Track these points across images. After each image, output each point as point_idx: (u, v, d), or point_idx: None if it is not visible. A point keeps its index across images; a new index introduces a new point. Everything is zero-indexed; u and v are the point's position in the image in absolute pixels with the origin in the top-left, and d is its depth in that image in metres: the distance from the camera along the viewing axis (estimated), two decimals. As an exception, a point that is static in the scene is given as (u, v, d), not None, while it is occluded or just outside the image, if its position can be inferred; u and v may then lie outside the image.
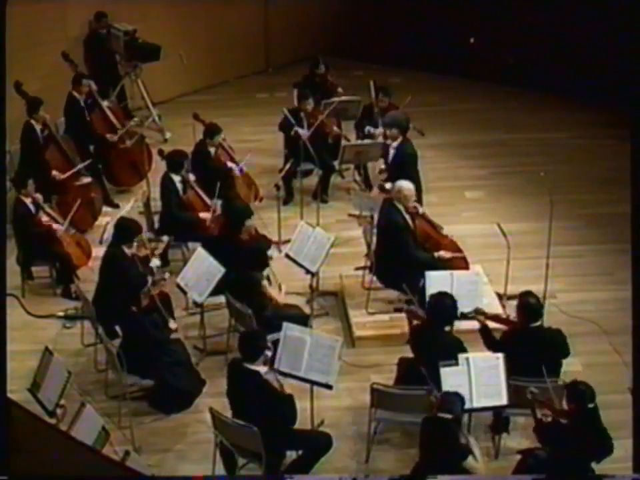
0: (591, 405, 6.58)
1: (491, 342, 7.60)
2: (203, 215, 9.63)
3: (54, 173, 10.24)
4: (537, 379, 7.05)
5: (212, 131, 10.40)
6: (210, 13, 14.20)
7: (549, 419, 6.75)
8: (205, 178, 10.12)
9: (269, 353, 7.10)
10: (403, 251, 8.70)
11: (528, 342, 7.35)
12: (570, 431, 6.58)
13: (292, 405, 7.02)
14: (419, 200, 9.60)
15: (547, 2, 13.99)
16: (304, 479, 7.05)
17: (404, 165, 9.69)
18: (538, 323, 7.46)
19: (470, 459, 6.56)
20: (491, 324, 7.77)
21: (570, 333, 7.61)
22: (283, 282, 8.79)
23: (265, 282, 8.42)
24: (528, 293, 7.62)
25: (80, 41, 12.58)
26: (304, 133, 10.88)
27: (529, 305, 7.48)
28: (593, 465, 6.68)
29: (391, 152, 9.89)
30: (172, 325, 8.22)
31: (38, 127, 10.31)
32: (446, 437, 6.54)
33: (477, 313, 7.76)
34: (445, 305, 7.52)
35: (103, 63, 12.61)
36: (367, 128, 11.14)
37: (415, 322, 7.81)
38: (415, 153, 9.86)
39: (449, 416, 6.54)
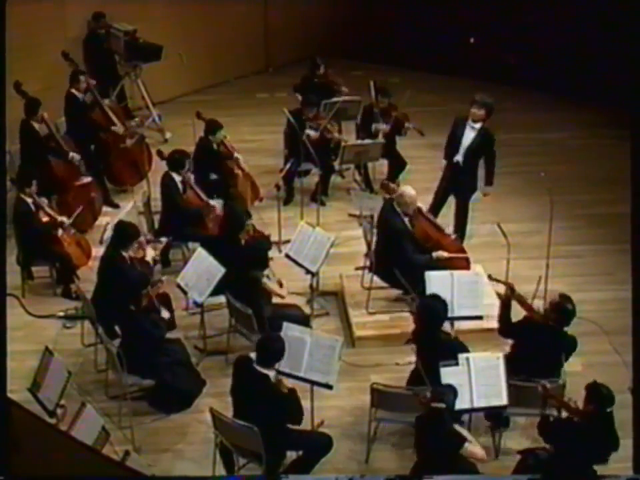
0: (609, 409, 6.60)
1: (505, 318, 7.64)
2: (212, 202, 9.72)
3: (71, 154, 10.23)
4: (537, 378, 7.06)
5: (213, 127, 10.42)
6: (210, 13, 14.21)
7: (561, 416, 6.77)
8: (207, 173, 10.15)
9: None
10: (401, 254, 8.70)
11: (545, 340, 7.40)
12: (582, 431, 6.60)
13: (296, 401, 7.03)
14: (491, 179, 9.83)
15: (547, 2, 14.00)
16: (302, 479, 7.05)
17: (485, 147, 9.71)
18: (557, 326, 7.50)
19: (467, 445, 6.59)
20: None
21: (570, 333, 7.61)
22: (282, 280, 8.79)
23: (264, 279, 8.40)
24: (568, 298, 7.63)
25: (80, 41, 12.59)
26: (314, 134, 10.88)
27: (567, 311, 7.51)
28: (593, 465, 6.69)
29: (471, 132, 9.73)
30: (164, 314, 8.19)
31: (37, 125, 10.31)
32: (440, 427, 6.56)
33: (507, 285, 7.79)
34: (434, 308, 7.53)
35: (103, 63, 12.62)
36: (374, 125, 11.13)
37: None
38: (494, 139, 9.83)
39: (442, 405, 6.55)
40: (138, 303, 7.97)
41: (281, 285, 8.60)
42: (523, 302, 7.83)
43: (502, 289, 7.95)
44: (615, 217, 10.17)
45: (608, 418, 6.65)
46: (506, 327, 7.60)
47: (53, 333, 8.97)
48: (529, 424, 7.69)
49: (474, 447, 6.67)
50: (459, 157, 9.77)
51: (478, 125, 9.72)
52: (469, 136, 9.73)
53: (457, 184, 9.84)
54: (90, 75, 11.46)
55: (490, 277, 7.98)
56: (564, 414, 7.00)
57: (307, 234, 9.01)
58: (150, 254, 8.74)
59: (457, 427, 6.79)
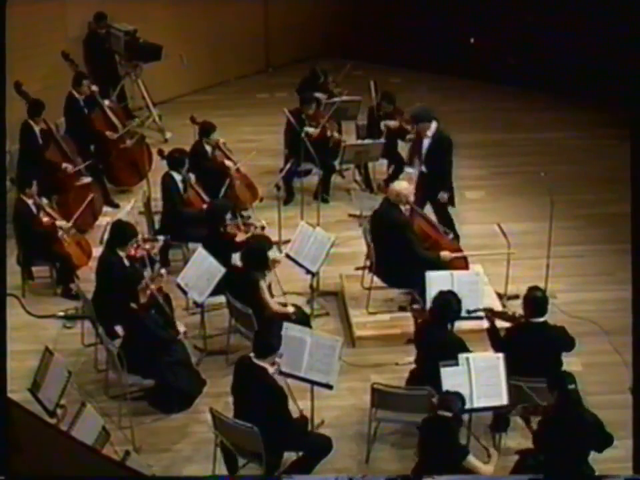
0: (571, 387, 6.60)
1: (497, 343, 7.61)
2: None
3: (64, 165, 10.25)
4: (538, 378, 7.06)
5: (206, 129, 10.40)
6: (210, 13, 14.22)
7: (539, 421, 6.78)
8: (204, 177, 10.14)
9: (278, 359, 7.09)
10: (407, 249, 8.69)
11: (531, 338, 7.38)
12: (558, 420, 6.60)
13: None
14: (450, 185, 9.82)
15: (547, 2, 14.00)
16: (301, 479, 7.06)
17: (441, 151, 9.75)
18: (542, 319, 7.47)
19: (471, 458, 6.57)
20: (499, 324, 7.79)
21: (570, 333, 7.61)
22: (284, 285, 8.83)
23: (262, 285, 8.37)
24: (535, 288, 7.67)
25: (80, 41, 12.60)
26: (314, 130, 10.88)
27: (535, 298, 7.50)
28: (593, 465, 6.68)
29: (426, 141, 9.86)
30: (180, 327, 8.20)
31: (36, 128, 10.32)
32: (445, 436, 6.55)
33: (485, 311, 7.78)
34: (449, 302, 7.53)
35: (103, 63, 12.63)
36: (383, 123, 11.09)
37: (420, 320, 7.84)
38: (451, 140, 9.89)
39: (448, 414, 6.54)
40: (136, 299, 7.95)
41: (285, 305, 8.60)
42: (502, 316, 7.81)
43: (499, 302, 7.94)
44: (615, 217, 10.17)
45: (574, 395, 6.62)
46: (499, 348, 7.58)
47: (53, 333, 8.96)
48: (529, 424, 7.71)
49: (477, 463, 6.63)
50: (422, 167, 9.85)
51: (430, 132, 9.81)
52: (425, 144, 9.86)
53: (428, 192, 9.86)
54: (90, 75, 11.47)
55: (468, 312, 7.95)
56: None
57: (307, 234, 9.02)
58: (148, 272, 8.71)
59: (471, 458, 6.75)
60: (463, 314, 7.86)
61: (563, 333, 7.51)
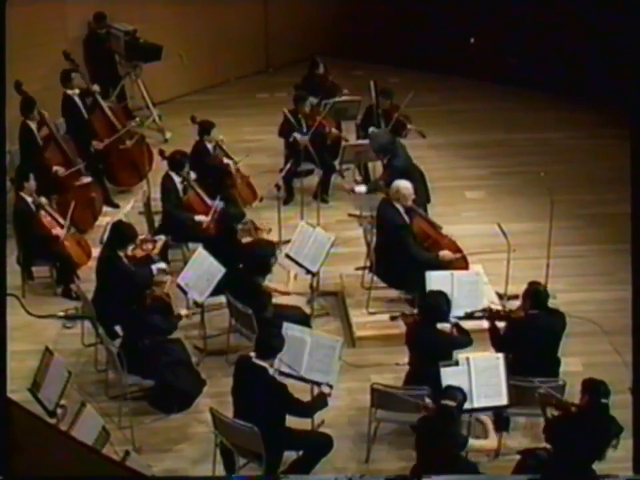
0: (604, 401, 6.63)
1: (498, 342, 7.63)
2: (198, 217, 9.57)
3: (55, 168, 10.24)
4: (538, 378, 7.07)
5: (206, 127, 10.40)
6: (210, 13, 14.21)
7: (556, 414, 6.80)
8: (205, 176, 10.14)
9: (278, 362, 7.09)
10: (404, 251, 8.71)
11: (530, 329, 7.40)
12: (578, 421, 6.64)
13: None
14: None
15: (547, 2, 14.00)
16: (300, 479, 7.06)
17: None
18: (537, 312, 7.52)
19: (471, 442, 6.61)
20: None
21: (570, 333, 7.62)
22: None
23: (266, 282, 8.39)
24: (537, 282, 7.76)
25: (80, 41, 12.60)
26: (303, 138, 10.86)
27: (537, 291, 7.58)
28: (593, 465, 6.68)
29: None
30: (182, 311, 8.19)
31: (34, 126, 10.31)
32: (448, 425, 6.57)
33: (483, 312, 7.79)
34: (438, 303, 7.54)
35: (103, 63, 12.63)
36: (371, 129, 11.13)
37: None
38: (404, 168, 9.79)
39: (452, 403, 6.58)
40: (141, 303, 7.96)
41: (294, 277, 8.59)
42: (501, 314, 7.83)
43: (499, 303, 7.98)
44: (615, 217, 10.17)
45: (603, 407, 6.65)
46: (498, 345, 7.60)
47: (53, 333, 8.97)
48: (529, 424, 7.70)
49: (479, 442, 6.69)
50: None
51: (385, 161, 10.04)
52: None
53: None
54: (90, 75, 11.46)
55: (467, 314, 7.98)
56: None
57: (307, 234, 9.02)
58: (159, 265, 8.69)
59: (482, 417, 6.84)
60: (462, 316, 7.88)
61: (562, 318, 7.55)
